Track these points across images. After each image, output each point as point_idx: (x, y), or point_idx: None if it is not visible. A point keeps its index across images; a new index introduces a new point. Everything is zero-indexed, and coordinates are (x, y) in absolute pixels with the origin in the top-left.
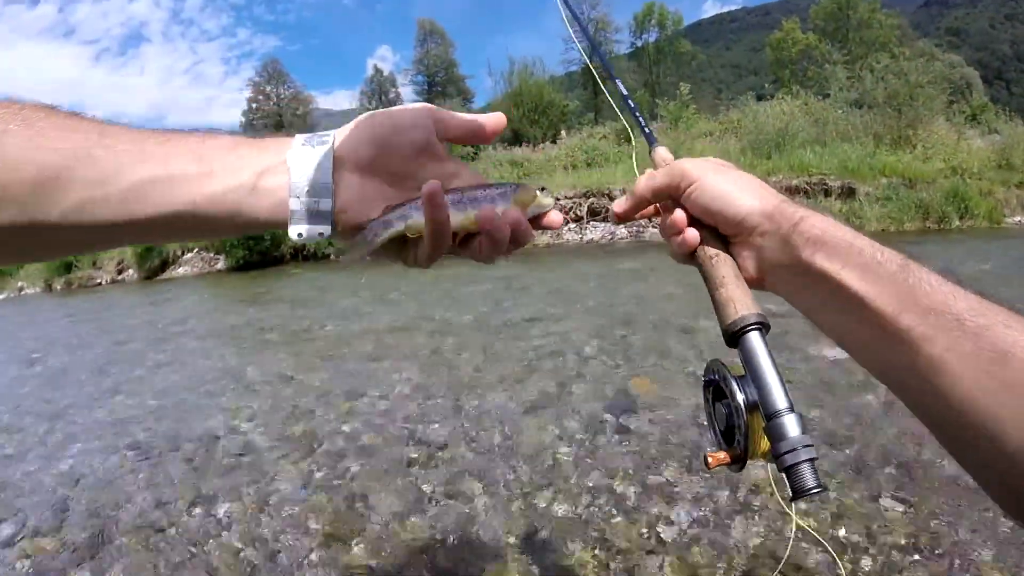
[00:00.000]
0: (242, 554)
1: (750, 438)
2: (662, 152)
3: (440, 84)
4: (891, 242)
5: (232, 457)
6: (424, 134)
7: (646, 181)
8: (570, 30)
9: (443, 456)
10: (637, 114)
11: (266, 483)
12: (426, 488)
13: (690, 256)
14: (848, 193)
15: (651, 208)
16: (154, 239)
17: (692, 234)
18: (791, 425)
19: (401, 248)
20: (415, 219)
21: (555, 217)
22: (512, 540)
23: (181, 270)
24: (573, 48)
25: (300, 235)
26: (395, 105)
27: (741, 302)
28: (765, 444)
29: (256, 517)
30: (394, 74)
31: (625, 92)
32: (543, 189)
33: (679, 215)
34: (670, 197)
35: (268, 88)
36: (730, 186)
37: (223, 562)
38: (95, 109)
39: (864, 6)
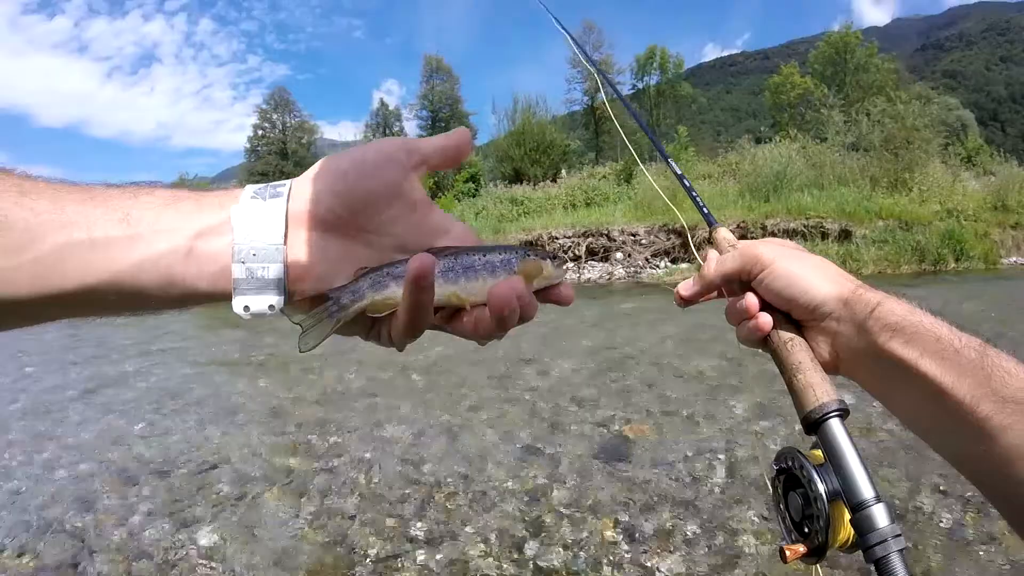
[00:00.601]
0: None
1: (831, 528)
2: (724, 233)
3: (444, 120)
4: (887, 285)
5: (218, 487)
6: (397, 172)
7: (716, 266)
8: (606, 103)
9: (434, 497)
10: (694, 194)
11: (252, 515)
12: (416, 529)
13: (761, 341)
14: (845, 236)
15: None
16: (79, 315)
17: (765, 319)
18: (880, 515)
19: (370, 322)
20: (392, 290)
21: (565, 292)
22: None
23: None
24: (576, 88)
25: (246, 308)
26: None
27: (821, 388)
28: (845, 534)
29: (240, 549)
30: (399, 108)
31: (679, 172)
32: (555, 258)
33: (752, 300)
34: (740, 281)
35: (274, 116)
36: (806, 271)
37: None
38: (104, 125)
39: (862, 51)
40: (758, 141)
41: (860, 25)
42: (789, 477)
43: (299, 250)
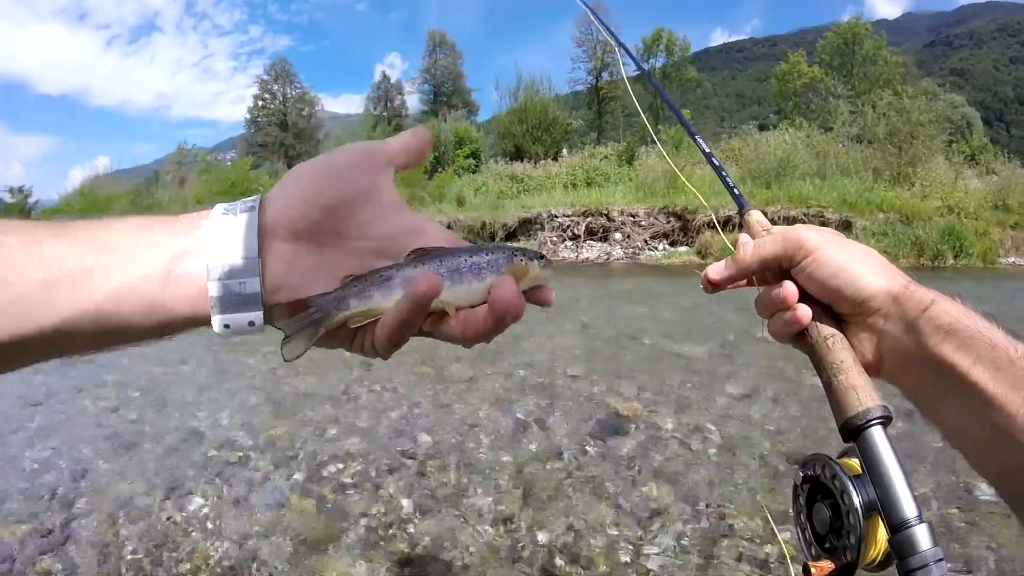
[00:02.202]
0: (215, 552)
1: (864, 544)
2: (757, 216)
3: (446, 95)
4: None
5: (211, 454)
6: (367, 175)
7: (754, 249)
8: (623, 75)
9: (427, 468)
10: (724, 174)
11: (244, 482)
12: (407, 500)
13: (797, 336)
14: (845, 226)
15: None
16: (65, 353)
17: (804, 311)
18: (923, 537)
19: (353, 332)
20: (376, 301)
21: (548, 294)
22: (492, 560)
23: None
24: (580, 67)
25: (227, 327)
26: (401, 112)
27: (864, 391)
28: (875, 552)
29: (232, 516)
30: (401, 81)
31: (707, 150)
32: (542, 257)
33: (790, 288)
34: (779, 268)
35: (275, 87)
36: (855, 261)
37: (195, 559)
38: (103, 94)
39: (870, 43)
40: (762, 128)
41: (870, 17)
42: (816, 486)
43: (275, 262)
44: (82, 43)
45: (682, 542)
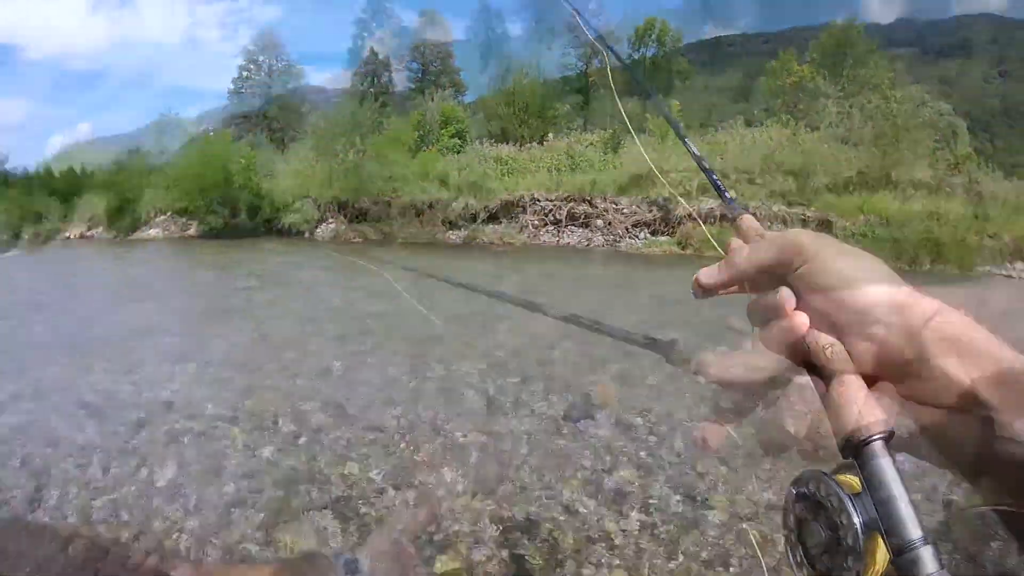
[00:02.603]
0: (184, 523)
1: (864, 566)
2: (750, 220)
3: (433, 74)
4: None
5: (181, 424)
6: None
7: (749, 253)
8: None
9: (398, 444)
10: (714, 176)
11: (214, 453)
12: (376, 475)
13: (792, 346)
14: (825, 226)
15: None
16: None
17: (802, 319)
18: (928, 560)
19: None
20: None
21: None
22: (462, 535)
23: (152, 232)
24: (571, 52)
25: None
26: (388, 89)
27: (865, 405)
28: (875, 573)
29: (202, 487)
30: (390, 58)
31: (696, 152)
32: None
33: (788, 295)
34: (775, 274)
35: (261, 58)
36: (856, 267)
37: (162, 529)
38: (87, 59)
39: (863, 45)
40: (749, 124)
41: (863, 19)
42: (811, 504)
43: None
44: (69, 7)
45: (651, 523)
